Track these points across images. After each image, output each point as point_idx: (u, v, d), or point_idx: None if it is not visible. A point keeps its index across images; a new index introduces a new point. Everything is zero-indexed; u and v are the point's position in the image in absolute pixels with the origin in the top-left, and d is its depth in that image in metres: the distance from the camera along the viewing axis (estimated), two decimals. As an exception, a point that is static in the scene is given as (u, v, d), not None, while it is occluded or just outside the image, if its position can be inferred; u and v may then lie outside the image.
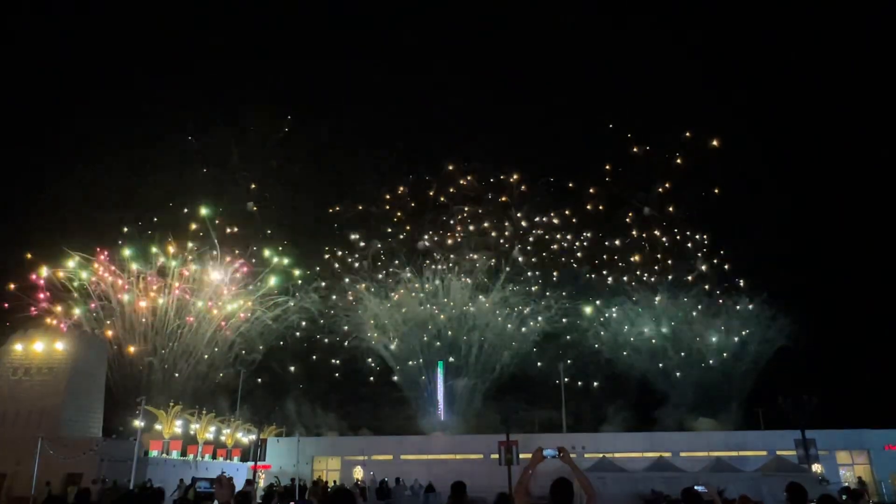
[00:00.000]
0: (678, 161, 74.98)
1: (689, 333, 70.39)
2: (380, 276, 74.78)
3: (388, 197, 79.87)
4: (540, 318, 72.57)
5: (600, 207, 77.82)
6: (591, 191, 78.50)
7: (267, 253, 71.93)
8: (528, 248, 75.97)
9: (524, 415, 65.99)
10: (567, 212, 76.97)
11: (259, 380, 71.26)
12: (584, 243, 76.61)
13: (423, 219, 77.80)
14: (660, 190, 76.52)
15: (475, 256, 75.01)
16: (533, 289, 73.89)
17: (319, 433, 66.11)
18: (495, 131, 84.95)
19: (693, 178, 74.80)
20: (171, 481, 41.37)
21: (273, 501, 14.67)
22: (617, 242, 75.79)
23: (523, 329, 72.72)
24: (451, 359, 72.29)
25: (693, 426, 65.64)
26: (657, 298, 71.59)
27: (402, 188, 78.60)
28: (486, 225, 77.28)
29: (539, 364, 71.93)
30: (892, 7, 78.89)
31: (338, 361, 74.06)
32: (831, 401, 49.94)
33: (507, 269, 74.05)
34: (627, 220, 77.86)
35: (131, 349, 63.14)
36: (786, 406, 43.36)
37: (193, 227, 69.98)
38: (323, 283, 74.22)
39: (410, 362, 72.50)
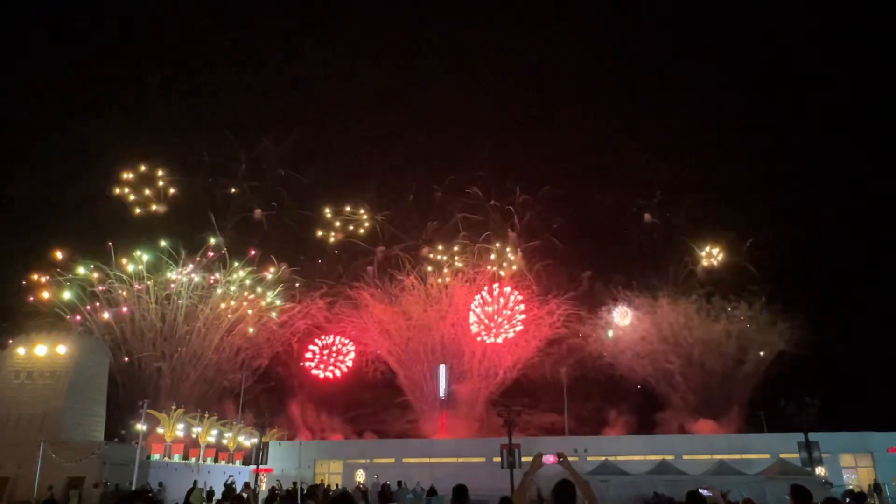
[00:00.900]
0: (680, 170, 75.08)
1: (689, 338, 70.40)
2: (385, 281, 75.00)
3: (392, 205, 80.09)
4: (542, 324, 72.84)
5: (602, 213, 77.97)
6: (593, 197, 78.66)
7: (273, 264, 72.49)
8: (530, 253, 76.01)
9: (526, 418, 66.03)
10: (569, 217, 77.14)
11: (264, 384, 71.54)
12: (586, 249, 76.72)
13: (428, 226, 77.98)
14: (660, 195, 76.59)
15: (478, 263, 75.34)
16: (535, 294, 74.05)
17: (324, 437, 66.21)
18: (499, 138, 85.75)
19: (693, 184, 75.00)
20: (173, 484, 41.41)
21: (275, 504, 14.64)
22: (618, 247, 75.91)
23: (526, 335, 72.97)
24: (450, 362, 72.46)
25: (694, 429, 65.52)
26: (658, 303, 71.66)
27: (411, 196, 78.71)
28: (488, 232, 77.61)
29: (541, 368, 72.06)
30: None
31: (342, 365, 74.20)
32: (835, 404, 49.79)
33: (509, 274, 74.25)
34: (627, 229, 78.15)
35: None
36: (788, 408, 43.19)
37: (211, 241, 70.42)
38: (327, 289, 74.51)
39: (414, 367, 72.71)
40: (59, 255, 62.78)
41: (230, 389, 67.86)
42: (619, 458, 52.84)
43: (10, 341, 46.39)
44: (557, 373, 69.40)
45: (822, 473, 44.39)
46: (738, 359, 69.02)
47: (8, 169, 72.66)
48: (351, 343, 73.93)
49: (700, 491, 10.24)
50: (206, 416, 52.89)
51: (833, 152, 77.21)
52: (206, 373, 67.12)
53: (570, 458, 8.29)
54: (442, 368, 72.03)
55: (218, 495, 36.60)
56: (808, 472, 40.56)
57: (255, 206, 77.12)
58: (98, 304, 63.89)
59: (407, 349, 72.69)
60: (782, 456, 47.65)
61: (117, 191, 74.11)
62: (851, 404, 56.19)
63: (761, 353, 68.16)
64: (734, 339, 69.19)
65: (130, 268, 64.80)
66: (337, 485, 51.28)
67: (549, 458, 12.09)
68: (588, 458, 52.44)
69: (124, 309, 64.20)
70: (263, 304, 70.92)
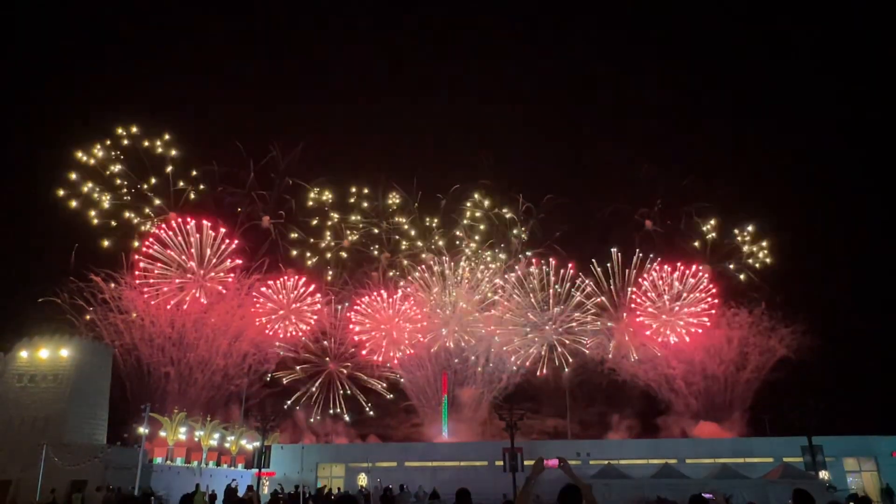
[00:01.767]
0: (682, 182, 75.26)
1: (691, 343, 70.37)
2: (389, 287, 75.14)
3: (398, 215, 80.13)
4: (545, 329, 72.80)
5: (604, 220, 78.10)
6: (595, 204, 78.81)
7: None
8: (534, 260, 75.98)
9: (529, 422, 65.96)
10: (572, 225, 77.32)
11: (271, 389, 71.84)
12: (588, 254, 76.77)
13: (432, 234, 78.07)
14: (660, 204, 76.68)
15: (482, 270, 75.41)
16: (538, 301, 74.10)
17: (328, 440, 66.27)
18: (504, 148, 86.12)
19: (693, 193, 75.19)
20: (175, 488, 41.37)
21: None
22: (619, 253, 75.83)
23: (528, 342, 72.98)
24: (456, 371, 72.60)
25: (696, 432, 65.40)
26: (658, 308, 71.64)
27: (415, 203, 78.75)
28: (492, 240, 77.74)
29: (544, 373, 72.08)
30: None
31: (347, 370, 74.41)
32: (839, 408, 49.65)
33: (512, 281, 74.29)
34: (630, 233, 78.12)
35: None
36: (792, 412, 43.10)
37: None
38: (334, 295, 74.80)
39: (418, 371, 72.86)
40: None
41: (237, 394, 68.23)
42: (622, 461, 52.71)
43: (14, 345, 46.46)
44: (560, 377, 69.43)
45: (826, 477, 44.28)
46: (739, 364, 68.93)
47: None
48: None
49: (703, 495, 10.21)
50: (209, 419, 52.91)
51: (832, 154, 77.38)
52: (214, 378, 67.46)
53: (572, 462, 8.28)
54: (444, 373, 72.20)
55: (220, 499, 36.59)
56: (811, 476, 40.40)
57: (262, 214, 77.10)
58: (108, 309, 64.43)
59: (411, 354, 72.84)
60: (786, 460, 47.48)
61: None
62: (855, 408, 56.07)
63: (762, 357, 68.11)
64: (735, 345, 69.15)
65: None
66: (339, 488, 51.21)
67: (551, 463, 12.06)
68: (591, 462, 52.38)
69: (133, 315, 64.66)
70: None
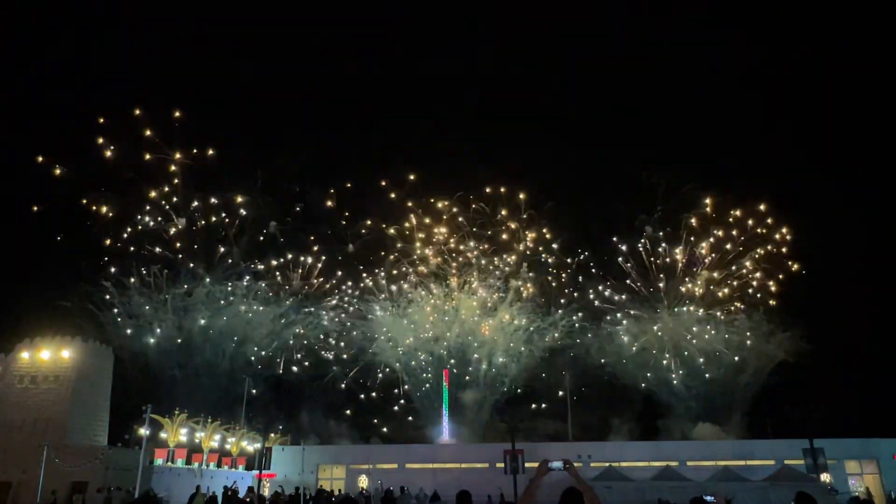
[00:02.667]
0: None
1: (690, 347, 70.52)
2: (392, 292, 75.30)
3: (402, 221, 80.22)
4: (546, 334, 73.07)
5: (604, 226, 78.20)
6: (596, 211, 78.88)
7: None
8: (535, 267, 76.18)
9: (530, 424, 66.06)
10: (570, 230, 77.37)
11: (276, 392, 72.13)
12: (589, 261, 76.94)
13: (435, 241, 78.16)
14: (660, 211, 76.80)
15: (484, 277, 75.65)
16: (539, 306, 74.38)
17: (332, 442, 66.38)
18: (507, 156, 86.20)
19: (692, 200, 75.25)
20: (175, 490, 41.36)
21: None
22: (620, 260, 76.08)
23: (530, 346, 73.15)
24: (456, 370, 72.73)
25: (696, 433, 65.39)
26: (658, 313, 71.85)
27: (420, 209, 78.80)
28: (494, 248, 77.90)
29: (545, 376, 72.07)
30: None
31: (350, 372, 74.68)
32: (841, 410, 49.60)
33: (514, 288, 74.58)
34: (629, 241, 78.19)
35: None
36: (793, 414, 43.10)
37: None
38: (341, 301, 75.05)
39: (421, 374, 73.03)
40: None
41: (241, 396, 68.62)
42: (623, 464, 52.64)
43: (15, 346, 46.48)
44: (561, 380, 69.46)
45: (828, 480, 44.21)
46: (739, 367, 68.99)
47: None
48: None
49: (705, 497, 10.19)
50: (210, 420, 52.89)
51: (830, 158, 77.41)
52: (221, 381, 67.75)
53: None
54: (445, 372, 72.27)
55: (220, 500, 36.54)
56: (813, 479, 40.36)
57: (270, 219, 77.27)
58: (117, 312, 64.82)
59: (414, 357, 73.03)
60: (787, 462, 47.41)
61: None
62: (857, 411, 55.96)
63: (762, 361, 68.22)
64: (735, 349, 69.25)
65: None
66: (339, 490, 51.19)
67: (555, 465, 12.01)
68: (592, 465, 52.29)
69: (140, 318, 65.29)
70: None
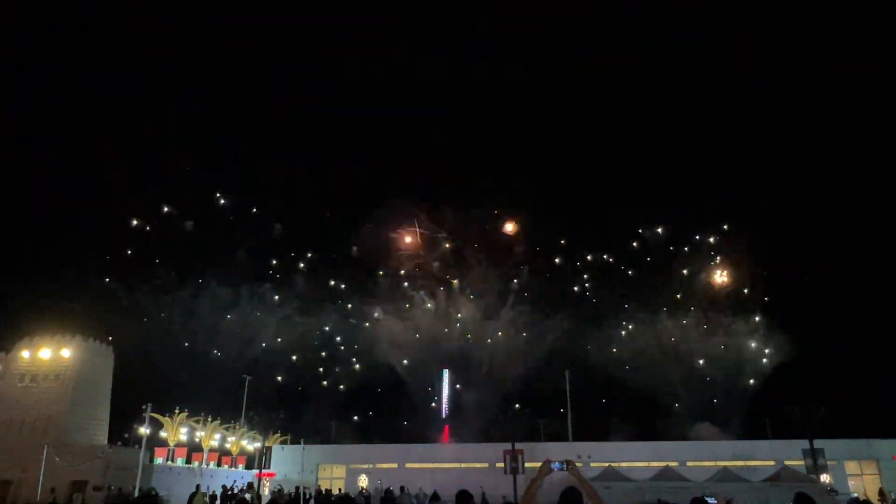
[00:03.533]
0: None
1: (689, 350, 70.63)
2: (396, 297, 75.73)
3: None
4: (547, 337, 73.28)
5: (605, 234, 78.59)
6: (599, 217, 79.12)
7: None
8: (536, 272, 76.44)
9: (530, 424, 65.96)
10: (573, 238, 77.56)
11: (281, 394, 72.40)
12: (590, 267, 77.16)
13: (438, 248, 78.51)
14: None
15: (485, 283, 75.94)
16: (540, 310, 74.56)
17: (334, 442, 66.47)
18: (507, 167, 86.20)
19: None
20: (175, 489, 41.35)
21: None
22: (622, 267, 76.33)
23: (531, 346, 73.35)
24: (456, 371, 73.08)
25: (695, 433, 65.38)
26: (658, 317, 72.01)
27: (423, 215, 79.06)
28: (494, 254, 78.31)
29: (545, 377, 72.16)
30: None
31: (353, 372, 74.89)
32: (840, 411, 49.56)
33: (515, 292, 74.86)
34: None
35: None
36: (793, 415, 43.03)
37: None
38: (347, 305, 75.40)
39: (422, 376, 73.28)
40: None
41: (242, 397, 68.99)
42: (623, 464, 52.54)
43: (16, 345, 46.47)
44: (561, 380, 69.42)
45: (828, 481, 44.16)
46: (737, 369, 69.11)
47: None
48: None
49: (706, 499, 10.20)
50: (210, 419, 52.89)
51: (828, 162, 77.36)
52: (221, 381, 67.87)
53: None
54: (444, 372, 72.40)
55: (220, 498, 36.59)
56: (812, 480, 40.33)
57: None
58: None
59: (415, 358, 73.27)
60: (787, 463, 47.38)
61: None
62: (857, 411, 55.90)
63: (763, 362, 68.35)
64: (733, 351, 69.37)
65: None
66: (339, 489, 51.17)
67: (556, 465, 12.05)
68: (591, 465, 52.20)
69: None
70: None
